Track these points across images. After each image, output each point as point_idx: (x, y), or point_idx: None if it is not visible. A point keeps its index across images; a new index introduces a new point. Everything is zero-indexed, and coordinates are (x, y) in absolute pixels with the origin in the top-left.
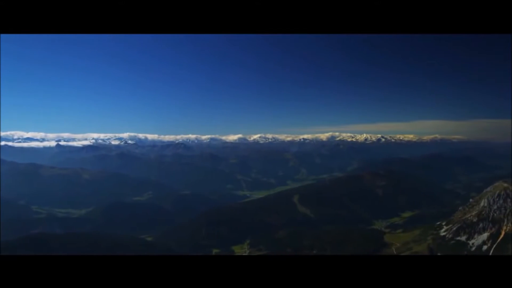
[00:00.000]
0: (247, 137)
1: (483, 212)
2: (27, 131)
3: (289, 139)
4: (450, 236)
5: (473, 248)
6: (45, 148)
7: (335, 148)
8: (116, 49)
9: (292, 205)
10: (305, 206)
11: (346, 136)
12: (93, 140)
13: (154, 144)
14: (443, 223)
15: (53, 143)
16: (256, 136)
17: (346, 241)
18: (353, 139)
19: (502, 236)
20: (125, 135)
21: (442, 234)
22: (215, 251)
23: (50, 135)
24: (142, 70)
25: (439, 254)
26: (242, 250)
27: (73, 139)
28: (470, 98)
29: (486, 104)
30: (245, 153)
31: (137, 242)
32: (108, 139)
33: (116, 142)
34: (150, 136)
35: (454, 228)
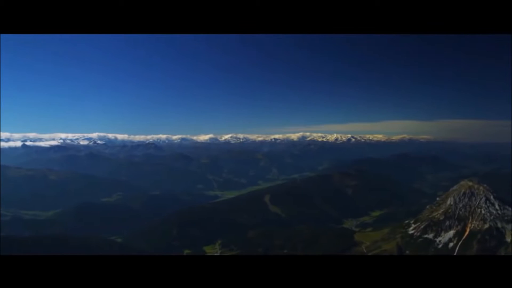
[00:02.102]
0: (218, 137)
1: (449, 210)
2: None
3: (260, 139)
4: (418, 234)
5: (440, 246)
6: (10, 148)
7: (306, 148)
8: (85, 48)
9: (264, 205)
10: (277, 205)
11: (317, 136)
12: (61, 140)
13: (124, 144)
14: (411, 222)
15: (18, 143)
16: (227, 136)
17: (317, 241)
18: (324, 139)
19: (467, 233)
20: (94, 135)
21: (410, 232)
22: (186, 252)
23: (16, 135)
24: (112, 70)
25: (407, 252)
26: (213, 250)
27: (40, 139)
28: (437, 98)
29: (452, 104)
30: (216, 153)
31: (106, 243)
32: (77, 139)
33: (85, 142)
34: (120, 136)
35: (422, 226)
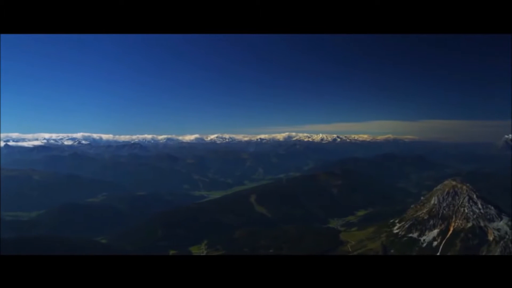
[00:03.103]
0: (204, 137)
1: (433, 210)
2: None
3: (246, 139)
4: (403, 233)
5: (424, 245)
6: None
7: (291, 148)
8: (70, 48)
9: (249, 205)
10: (262, 205)
11: (302, 136)
12: (45, 141)
13: (109, 144)
14: (396, 221)
15: (1, 144)
16: (213, 136)
17: (302, 240)
18: (310, 139)
19: (450, 232)
20: (78, 135)
21: (395, 231)
22: (172, 252)
23: None
24: (97, 70)
25: (392, 251)
26: (199, 250)
27: (23, 139)
28: (421, 99)
29: (436, 105)
30: (202, 153)
31: (91, 244)
32: (61, 139)
33: (69, 142)
34: (105, 136)
35: (407, 225)
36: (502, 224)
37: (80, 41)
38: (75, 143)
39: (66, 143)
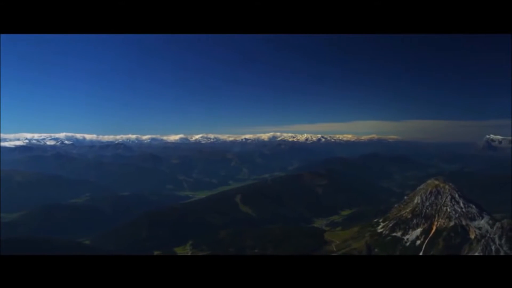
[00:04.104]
0: (189, 137)
1: (416, 209)
2: None
3: (231, 139)
4: (387, 232)
5: (408, 244)
6: None
7: (276, 148)
8: (54, 49)
9: (234, 205)
10: (247, 205)
11: (287, 136)
12: (26, 141)
13: (92, 145)
14: (380, 220)
15: None
16: (198, 136)
17: (287, 240)
18: (294, 139)
19: (433, 231)
20: (61, 135)
21: (379, 230)
22: (156, 253)
23: None
24: (81, 70)
25: (376, 250)
26: (184, 251)
27: (4, 139)
28: (405, 99)
29: (419, 105)
30: (187, 153)
31: (74, 246)
32: (43, 139)
33: (52, 143)
34: (88, 136)
35: (390, 225)
36: (483, 222)
37: (63, 41)
38: (58, 143)
39: (48, 143)
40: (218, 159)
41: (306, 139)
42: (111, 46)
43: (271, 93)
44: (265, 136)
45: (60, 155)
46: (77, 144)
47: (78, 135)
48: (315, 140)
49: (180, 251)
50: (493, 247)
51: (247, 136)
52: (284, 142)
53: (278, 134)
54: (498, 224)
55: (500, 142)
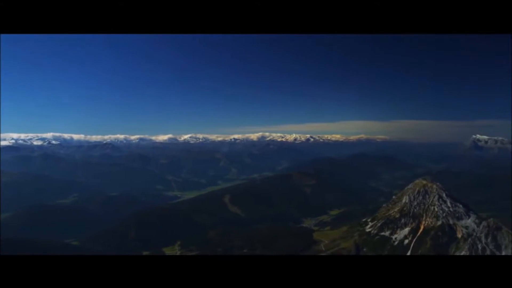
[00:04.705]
0: (178, 137)
1: (404, 208)
2: None
3: (219, 139)
4: (375, 232)
5: (396, 243)
6: None
7: (265, 148)
8: (43, 48)
9: (223, 205)
10: (236, 205)
11: (276, 136)
12: (13, 141)
13: (80, 145)
14: (369, 220)
15: None
16: (186, 136)
17: (276, 240)
18: (283, 139)
19: (421, 230)
20: (48, 135)
21: (368, 230)
22: (145, 254)
23: None
24: (68, 70)
25: (364, 250)
26: (173, 251)
27: None
28: (393, 99)
29: (407, 105)
30: (176, 153)
31: (61, 247)
32: (30, 139)
33: (39, 143)
34: (76, 136)
35: (379, 224)
36: (470, 222)
37: (49, 41)
38: (45, 143)
39: (35, 143)
40: (207, 159)
41: (295, 139)
42: (99, 46)
43: (260, 93)
44: (254, 136)
45: (47, 155)
46: (65, 144)
47: (66, 135)
48: (304, 140)
49: (168, 251)
50: (479, 246)
51: (236, 136)
52: (273, 142)
53: (267, 134)
54: (484, 223)
55: (486, 142)
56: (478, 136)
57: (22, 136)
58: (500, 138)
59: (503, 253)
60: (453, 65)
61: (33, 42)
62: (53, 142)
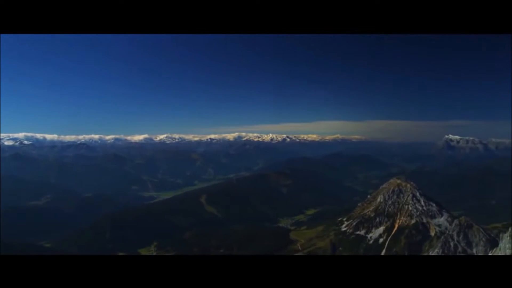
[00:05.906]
0: (153, 137)
1: (379, 208)
2: None
3: (196, 139)
4: (351, 231)
5: (371, 242)
6: None
7: (241, 148)
8: (18, 46)
9: (200, 205)
10: (213, 206)
11: (252, 136)
12: None
13: (53, 145)
14: (344, 219)
15: None
16: (162, 136)
17: (253, 240)
18: (260, 139)
19: (396, 229)
20: (20, 135)
21: (343, 229)
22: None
23: None
24: (40, 68)
25: (340, 249)
26: (149, 252)
27: None
28: (368, 99)
29: (382, 105)
30: (151, 154)
31: (33, 249)
32: (0, 139)
33: (10, 143)
34: (49, 136)
35: (354, 223)
36: (442, 220)
37: (22, 41)
38: (17, 144)
39: (6, 143)
40: (183, 159)
41: (271, 139)
42: (74, 46)
43: (236, 93)
44: (230, 136)
45: (19, 155)
46: (37, 144)
47: (38, 135)
48: (280, 140)
49: (144, 252)
50: (451, 244)
51: (213, 136)
52: (250, 142)
53: (243, 134)
54: (456, 221)
55: (458, 142)
56: (451, 136)
57: None
58: (471, 138)
59: (474, 250)
60: (428, 64)
61: (7, 41)
62: (25, 142)
